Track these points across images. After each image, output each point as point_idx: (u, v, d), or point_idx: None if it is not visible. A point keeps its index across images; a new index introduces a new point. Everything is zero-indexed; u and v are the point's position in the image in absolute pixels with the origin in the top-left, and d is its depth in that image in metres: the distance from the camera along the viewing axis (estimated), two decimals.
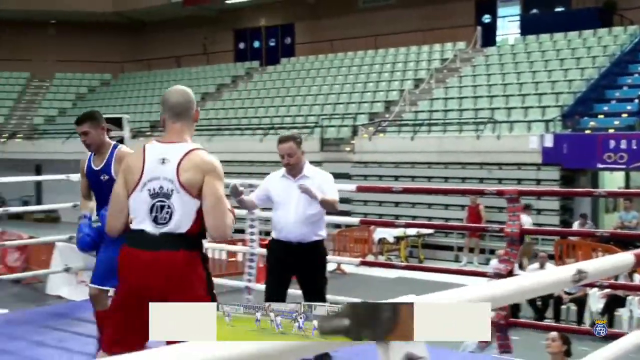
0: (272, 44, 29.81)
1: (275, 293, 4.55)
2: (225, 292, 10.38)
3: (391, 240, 15.60)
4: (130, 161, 3.17)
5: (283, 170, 4.65)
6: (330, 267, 14.17)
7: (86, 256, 6.40)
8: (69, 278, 10.37)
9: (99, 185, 4.50)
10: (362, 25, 25.35)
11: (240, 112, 24.33)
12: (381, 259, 15.03)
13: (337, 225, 15.31)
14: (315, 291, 4.54)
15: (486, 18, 24.08)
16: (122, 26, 31.95)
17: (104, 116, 6.43)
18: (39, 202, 25.26)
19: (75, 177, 6.38)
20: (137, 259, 3.04)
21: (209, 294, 3.17)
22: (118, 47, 31.92)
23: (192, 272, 3.10)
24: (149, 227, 3.04)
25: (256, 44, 30.23)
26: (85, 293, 9.33)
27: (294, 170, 4.58)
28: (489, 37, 23.22)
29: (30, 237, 11.83)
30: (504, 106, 18.00)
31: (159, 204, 3.03)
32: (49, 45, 31.47)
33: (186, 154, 3.08)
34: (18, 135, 28.96)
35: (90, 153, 4.61)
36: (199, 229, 3.11)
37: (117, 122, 6.42)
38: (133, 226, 3.08)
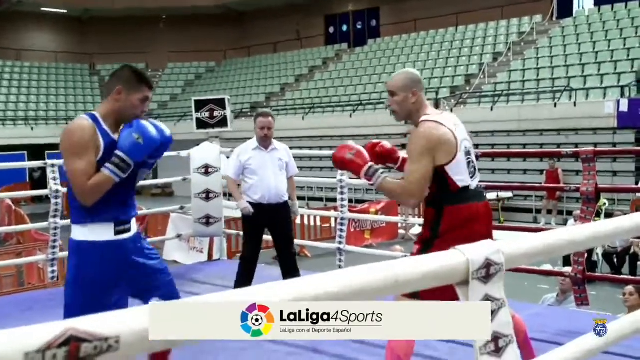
0: (359, 27, 28.67)
1: (255, 250, 4.90)
2: (320, 255, 10.43)
3: None
4: (440, 133, 2.78)
5: (252, 142, 4.86)
6: (416, 230, 14.05)
7: (196, 224, 6.41)
8: (181, 244, 10.57)
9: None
10: (444, 5, 24.00)
11: (331, 91, 23.70)
12: None
13: None
14: (289, 238, 4.97)
15: None
16: (224, 17, 31.26)
17: (210, 98, 6.48)
18: (154, 179, 25.37)
19: (185, 153, 6.41)
20: (480, 211, 2.86)
21: None
22: (221, 36, 31.11)
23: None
24: (472, 182, 2.86)
25: (344, 27, 29.19)
26: (195, 258, 9.43)
27: (268, 141, 4.80)
28: (564, 9, 21.94)
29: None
30: (579, 74, 17.11)
31: (468, 160, 2.85)
32: (161, 38, 31.25)
33: None
34: None
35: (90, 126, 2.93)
36: None
37: (221, 103, 6.45)
38: (461, 184, 2.80)
